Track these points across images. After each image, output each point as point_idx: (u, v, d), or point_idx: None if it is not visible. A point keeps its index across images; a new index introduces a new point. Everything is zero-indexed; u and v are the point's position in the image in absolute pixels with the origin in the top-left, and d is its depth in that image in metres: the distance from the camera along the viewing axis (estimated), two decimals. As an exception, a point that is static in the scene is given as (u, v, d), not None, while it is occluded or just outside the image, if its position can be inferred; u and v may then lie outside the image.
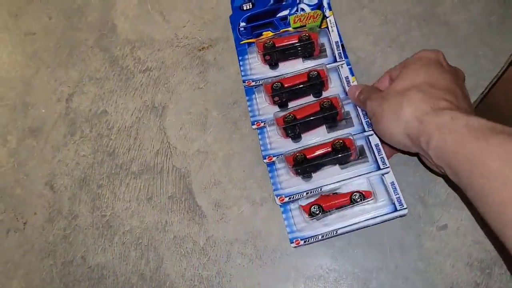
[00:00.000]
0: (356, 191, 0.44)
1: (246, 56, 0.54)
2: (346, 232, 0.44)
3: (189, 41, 0.59)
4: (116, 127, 0.56)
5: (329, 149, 0.45)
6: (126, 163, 0.54)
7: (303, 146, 0.47)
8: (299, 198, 0.46)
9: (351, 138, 0.46)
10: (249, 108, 0.51)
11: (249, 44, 0.54)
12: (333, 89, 0.50)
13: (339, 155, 0.45)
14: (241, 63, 0.54)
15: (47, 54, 0.63)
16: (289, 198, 0.46)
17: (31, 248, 0.53)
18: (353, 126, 0.48)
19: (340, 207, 0.44)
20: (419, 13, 0.54)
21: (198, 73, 0.57)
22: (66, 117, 0.58)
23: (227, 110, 0.54)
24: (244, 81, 0.52)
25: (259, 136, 0.50)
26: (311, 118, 0.47)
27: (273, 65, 0.52)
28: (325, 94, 0.50)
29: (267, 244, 0.48)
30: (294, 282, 0.46)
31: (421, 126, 0.35)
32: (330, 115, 0.47)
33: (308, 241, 0.44)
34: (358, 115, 0.48)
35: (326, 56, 0.52)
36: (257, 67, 0.53)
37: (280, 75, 0.51)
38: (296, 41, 0.51)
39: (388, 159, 0.46)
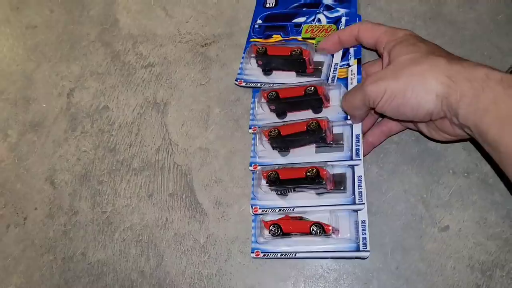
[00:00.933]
0: (317, 223, 0.43)
1: (247, 55, 0.52)
2: (305, 258, 0.45)
3: (192, 37, 0.58)
4: (118, 123, 0.56)
5: (302, 175, 0.44)
6: (127, 159, 0.54)
7: (281, 164, 0.46)
8: (272, 213, 0.45)
9: (326, 169, 0.43)
10: (251, 111, 0.50)
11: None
12: (334, 107, 0.47)
13: (309, 185, 0.44)
14: (242, 60, 0.53)
15: (48, 48, 0.62)
16: (263, 211, 0.46)
17: (31, 243, 0.53)
18: (342, 151, 0.45)
19: (299, 233, 0.44)
20: (425, 11, 0.53)
21: (201, 69, 0.56)
22: (67, 112, 0.58)
23: (229, 107, 0.54)
24: (236, 79, 0.52)
25: (252, 141, 0.49)
26: (295, 138, 0.46)
27: (266, 71, 0.51)
28: (324, 111, 0.48)
29: (268, 243, 0.47)
30: (294, 282, 0.46)
31: (452, 85, 0.34)
32: (315, 136, 0.45)
33: (268, 255, 0.44)
34: (350, 138, 0.46)
35: (320, 75, 0.49)
36: (252, 69, 0.52)
37: (271, 83, 0.50)
38: (288, 54, 0.48)
39: (365, 154, 0.45)
